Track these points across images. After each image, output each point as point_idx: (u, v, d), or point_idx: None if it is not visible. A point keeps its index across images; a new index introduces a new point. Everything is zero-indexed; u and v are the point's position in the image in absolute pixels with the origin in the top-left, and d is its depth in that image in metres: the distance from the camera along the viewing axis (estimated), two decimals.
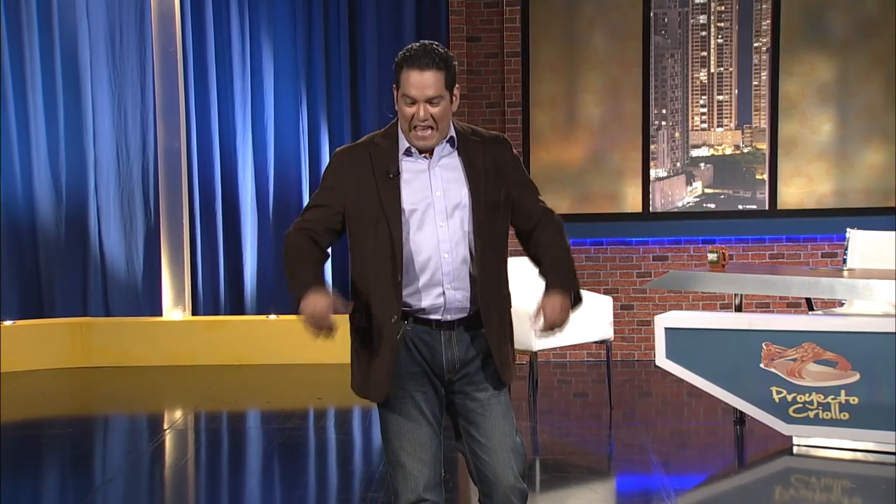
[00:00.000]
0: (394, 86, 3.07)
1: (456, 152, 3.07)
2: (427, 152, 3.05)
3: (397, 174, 3.02)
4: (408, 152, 3.06)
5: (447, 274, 3.02)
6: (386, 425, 3.13)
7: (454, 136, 3.08)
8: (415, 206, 3.02)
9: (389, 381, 3.05)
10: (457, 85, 3.05)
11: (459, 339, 3.08)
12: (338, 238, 3.14)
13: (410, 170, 3.05)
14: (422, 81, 2.96)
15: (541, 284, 3.13)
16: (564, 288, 3.05)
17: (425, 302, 3.04)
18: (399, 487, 3.10)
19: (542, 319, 3.02)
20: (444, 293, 3.03)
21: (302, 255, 3.06)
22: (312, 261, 3.07)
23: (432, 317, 3.06)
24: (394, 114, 3.10)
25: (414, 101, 2.98)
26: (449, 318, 3.06)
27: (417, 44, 3.03)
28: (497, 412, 3.10)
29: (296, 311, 3.00)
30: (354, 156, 3.09)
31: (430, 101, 2.97)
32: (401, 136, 3.07)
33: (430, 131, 3.00)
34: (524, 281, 3.76)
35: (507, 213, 3.12)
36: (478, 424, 3.10)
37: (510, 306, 3.17)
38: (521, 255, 3.29)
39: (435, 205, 3.02)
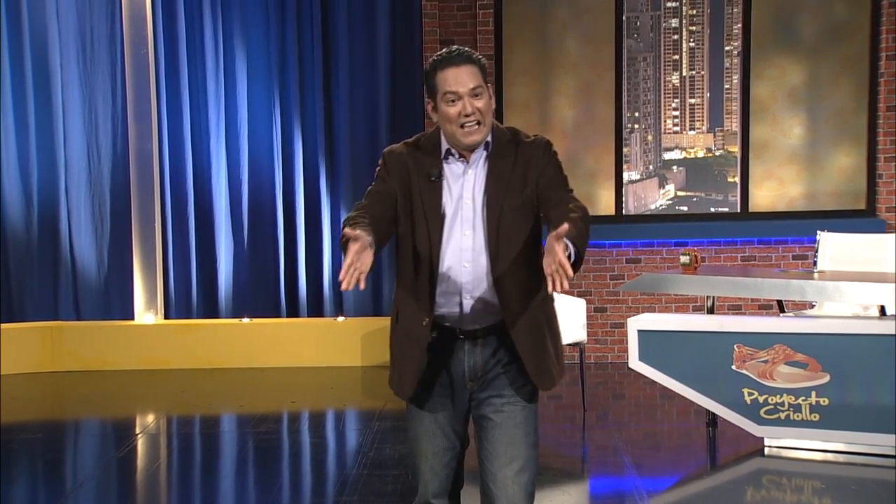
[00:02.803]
0: (427, 100, 3.03)
1: (488, 159, 3.01)
2: (465, 156, 3.01)
3: (439, 177, 3.00)
4: (447, 155, 3.02)
5: (466, 283, 2.99)
6: (408, 429, 3.19)
7: (489, 140, 3.02)
8: (448, 212, 2.99)
9: (415, 382, 3.06)
10: (490, 85, 3.02)
11: (484, 346, 3.05)
12: (392, 230, 3.04)
13: (448, 174, 3.02)
14: (461, 75, 2.93)
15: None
16: (573, 241, 2.76)
17: (444, 309, 3.01)
18: (416, 486, 3.19)
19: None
20: (461, 303, 3.00)
21: (357, 220, 2.91)
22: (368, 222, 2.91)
23: (452, 325, 3.03)
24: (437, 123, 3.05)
25: (457, 98, 2.93)
26: (467, 327, 3.03)
27: (444, 50, 3.01)
28: (509, 420, 3.05)
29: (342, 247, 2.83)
30: (400, 156, 3.05)
31: (472, 93, 2.93)
32: (442, 139, 3.02)
33: (478, 125, 2.95)
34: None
35: (533, 213, 3.02)
36: (488, 430, 3.07)
37: (550, 306, 3.09)
38: None
39: (463, 212, 2.99)
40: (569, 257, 2.72)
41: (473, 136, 2.95)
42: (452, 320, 3.03)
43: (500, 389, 3.06)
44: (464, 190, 3.00)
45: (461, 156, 3.02)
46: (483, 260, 2.97)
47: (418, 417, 3.13)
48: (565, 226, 2.70)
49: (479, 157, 3.01)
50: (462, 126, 2.94)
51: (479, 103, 2.94)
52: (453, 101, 2.93)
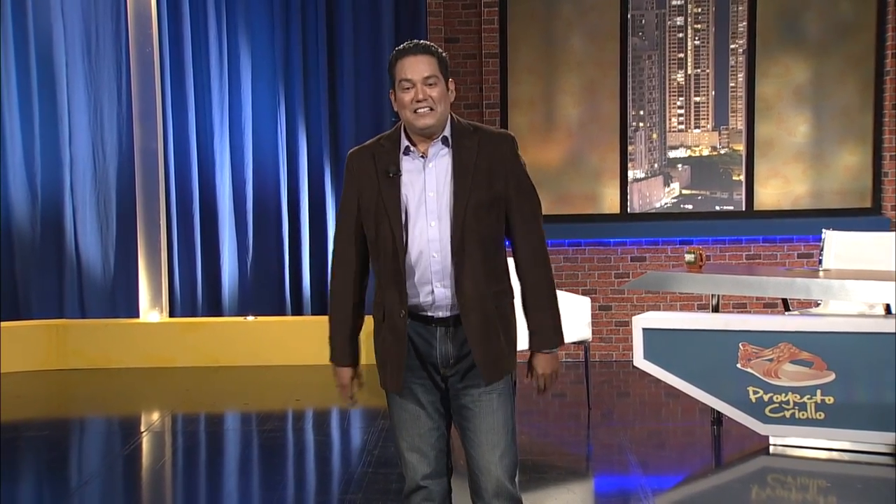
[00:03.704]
0: (390, 90, 3.17)
1: (449, 152, 3.13)
2: (424, 151, 3.13)
3: (397, 173, 3.12)
4: (406, 151, 3.15)
5: (436, 272, 3.12)
6: (390, 416, 3.30)
7: (448, 135, 3.14)
8: (410, 205, 3.12)
9: (402, 374, 3.17)
10: (451, 79, 3.15)
11: (455, 335, 3.16)
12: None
13: (408, 169, 3.14)
14: (416, 64, 3.08)
15: None
16: (547, 347, 3.22)
17: (417, 299, 3.14)
18: (404, 474, 3.28)
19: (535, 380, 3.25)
20: (433, 291, 3.13)
21: (341, 305, 3.25)
22: (350, 314, 3.26)
23: (426, 313, 3.17)
24: (398, 118, 3.19)
25: (411, 85, 3.08)
26: (440, 314, 3.16)
27: (405, 42, 3.17)
28: (487, 408, 3.17)
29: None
30: (361, 157, 3.20)
31: (426, 82, 3.07)
32: (402, 136, 3.16)
33: (430, 110, 3.08)
34: None
35: (500, 211, 3.17)
36: (468, 419, 3.20)
37: (507, 303, 3.22)
38: None
39: (427, 204, 3.11)
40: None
41: (425, 120, 3.08)
42: (426, 308, 3.16)
43: (476, 379, 3.17)
44: (426, 183, 3.12)
45: (421, 152, 3.14)
46: (449, 249, 3.11)
47: (400, 403, 3.24)
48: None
49: (438, 150, 3.14)
50: (415, 111, 3.08)
51: (432, 92, 3.08)
52: (407, 88, 3.08)
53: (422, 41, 3.15)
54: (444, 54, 3.15)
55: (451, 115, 3.18)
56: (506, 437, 3.18)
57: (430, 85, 3.07)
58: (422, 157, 3.13)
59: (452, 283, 3.11)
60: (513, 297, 3.25)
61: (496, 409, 3.18)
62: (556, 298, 3.23)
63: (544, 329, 3.20)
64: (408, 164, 3.14)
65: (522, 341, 3.25)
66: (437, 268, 3.11)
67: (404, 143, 3.15)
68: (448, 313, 3.15)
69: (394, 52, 3.15)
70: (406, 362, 3.17)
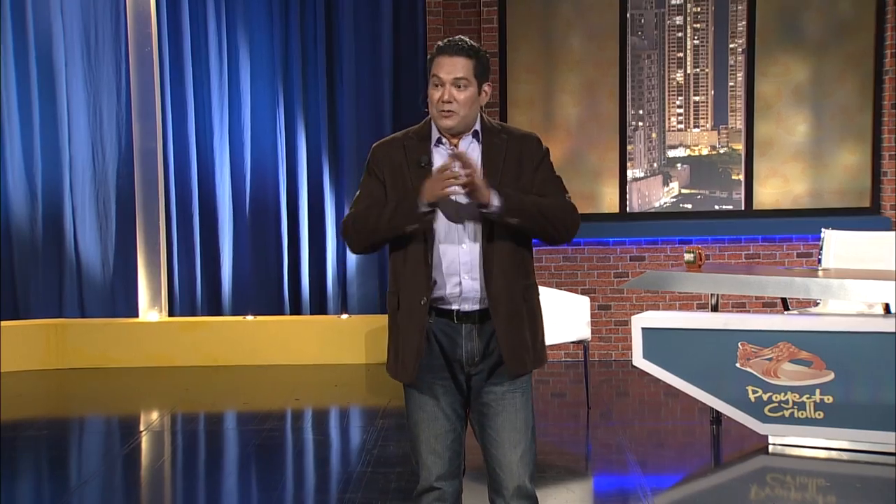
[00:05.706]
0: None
1: (479, 146, 3.16)
2: (455, 144, 3.16)
3: (429, 163, 3.14)
4: (438, 143, 3.18)
5: (464, 263, 3.13)
6: (407, 414, 3.30)
7: (479, 130, 3.18)
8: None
9: (417, 364, 3.16)
10: (488, 82, 3.18)
11: (480, 332, 3.17)
12: None
13: (439, 160, 3.15)
14: (450, 64, 3.09)
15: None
16: (503, 193, 3.04)
17: (445, 290, 3.14)
18: (418, 473, 3.28)
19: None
20: (460, 282, 3.14)
21: (374, 206, 3.15)
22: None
23: (452, 307, 3.16)
24: (427, 107, 3.21)
25: (440, 84, 3.10)
26: (467, 308, 3.16)
27: (448, 38, 3.16)
28: (510, 407, 3.19)
29: (421, 216, 3.06)
30: (390, 147, 3.21)
31: (456, 83, 3.09)
32: (433, 127, 3.19)
33: (452, 114, 3.10)
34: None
35: None
36: (490, 417, 3.21)
37: (533, 297, 3.24)
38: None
39: (457, 196, 3.10)
40: (495, 212, 3.03)
41: (446, 121, 3.11)
42: (452, 301, 3.16)
43: (500, 377, 3.18)
44: None
45: (452, 145, 3.16)
46: (479, 241, 3.12)
47: (419, 402, 3.24)
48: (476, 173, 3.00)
49: (469, 144, 3.17)
50: (440, 110, 3.11)
51: (459, 94, 3.09)
52: (437, 85, 3.11)
53: (465, 40, 3.13)
54: (484, 55, 3.14)
55: (481, 115, 3.20)
56: (527, 437, 3.21)
57: (459, 87, 3.09)
58: (453, 148, 3.16)
59: (481, 274, 3.12)
60: (538, 293, 3.26)
61: (519, 409, 3.20)
62: (544, 214, 3.12)
63: (518, 194, 3.09)
64: (439, 156, 3.16)
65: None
66: (465, 258, 3.12)
67: (436, 134, 3.18)
68: (475, 307, 3.15)
69: (436, 47, 3.16)
70: (429, 362, 3.18)
